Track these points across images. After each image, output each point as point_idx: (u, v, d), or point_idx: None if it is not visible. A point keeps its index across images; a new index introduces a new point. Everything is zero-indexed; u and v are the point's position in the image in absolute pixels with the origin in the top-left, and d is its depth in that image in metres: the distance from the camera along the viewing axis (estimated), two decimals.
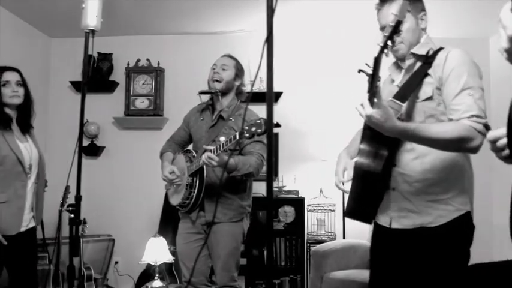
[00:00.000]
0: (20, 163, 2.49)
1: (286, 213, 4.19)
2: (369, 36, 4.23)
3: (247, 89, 2.96)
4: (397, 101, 1.75)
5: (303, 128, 4.33)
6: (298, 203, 4.17)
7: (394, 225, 1.83)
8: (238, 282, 2.69)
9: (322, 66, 4.37)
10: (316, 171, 4.26)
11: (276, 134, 4.22)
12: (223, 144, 2.33)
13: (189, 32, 4.46)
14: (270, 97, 1.22)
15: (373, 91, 1.56)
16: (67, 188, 2.89)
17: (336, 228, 4.11)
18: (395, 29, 1.53)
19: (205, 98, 2.80)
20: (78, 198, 2.04)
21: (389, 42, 1.55)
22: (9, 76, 2.54)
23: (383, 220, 1.89)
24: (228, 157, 2.36)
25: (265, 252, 4.05)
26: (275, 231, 4.02)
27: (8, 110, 2.55)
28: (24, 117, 2.61)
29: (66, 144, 2.90)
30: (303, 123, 4.34)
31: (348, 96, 4.26)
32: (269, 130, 1.22)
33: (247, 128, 2.18)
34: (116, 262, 4.33)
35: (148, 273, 3.76)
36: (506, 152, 1.07)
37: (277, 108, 4.16)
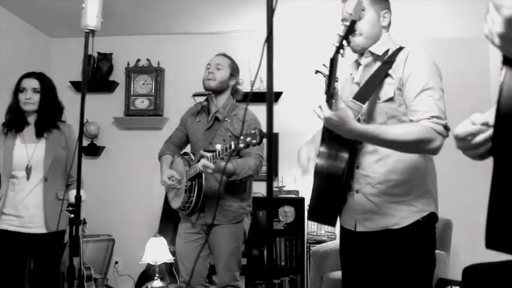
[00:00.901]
0: (5, 164, 2.57)
1: (286, 213, 4.19)
2: None
3: (243, 87, 2.95)
4: (357, 102, 1.74)
5: (303, 128, 4.32)
6: (298, 203, 4.17)
7: (359, 228, 1.82)
8: (240, 282, 2.69)
9: (323, 66, 4.36)
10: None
11: (276, 134, 4.23)
12: (219, 152, 2.32)
13: (189, 32, 4.46)
14: (270, 97, 1.21)
15: (330, 93, 1.55)
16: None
17: (336, 228, 4.10)
18: (350, 29, 1.52)
19: (200, 98, 2.79)
20: (78, 198, 2.04)
21: (344, 43, 1.54)
22: (26, 83, 2.64)
23: (348, 223, 1.88)
24: (225, 163, 2.34)
25: (265, 252, 4.05)
26: (275, 231, 4.02)
27: (25, 115, 2.67)
28: (41, 121, 2.67)
29: None
30: (303, 123, 4.33)
31: None
32: (269, 130, 1.22)
33: (242, 137, 2.17)
34: (116, 262, 4.33)
35: (148, 273, 3.76)
36: (486, 147, 1.02)
37: (277, 108, 4.16)
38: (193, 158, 2.65)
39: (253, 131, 2.17)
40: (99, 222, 4.15)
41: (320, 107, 1.58)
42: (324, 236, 4.07)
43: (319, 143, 1.83)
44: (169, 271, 3.84)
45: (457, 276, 2.38)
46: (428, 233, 1.78)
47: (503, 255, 0.94)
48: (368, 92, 1.76)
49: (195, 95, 2.71)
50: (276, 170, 4.29)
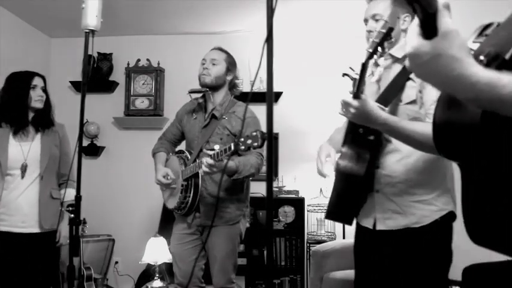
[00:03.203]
0: None
1: (286, 213, 4.19)
2: None
3: (243, 87, 2.91)
4: (379, 105, 1.76)
5: (303, 128, 4.32)
6: (298, 203, 4.17)
7: (379, 227, 1.85)
8: (236, 284, 2.65)
9: (323, 66, 4.36)
10: (316, 171, 4.26)
11: (276, 134, 4.22)
12: (218, 153, 2.22)
13: (189, 32, 4.46)
14: (270, 97, 1.21)
15: (358, 96, 1.58)
16: None
17: (336, 228, 4.11)
18: (386, 36, 1.53)
19: (197, 95, 2.72)
20: (78, 198, 2.04)
21: (379, 49, 1.55)
22: (37, 81, 2.66)
23: (366, 222, 1.90)
24: (226, 161, 2.26)
25: (265, 252, 4.05)
26: (275, 231, 4.02)
27: (27, 112, 2.65)
28: (38, 119, 2.68)
29: None
30: (303, 123, 4.34)
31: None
32: (269, 130, 1.22)
33: (242, 139, 2.11)
34: (116, 262, 4.34)
35: (148, 273, 3.76)
36: None
37: (277, 108, 4.16)
38: (189, 157, 2.58)
39: (254, 133, 2.10)
40: (99, 222, 4.15)
41: (344, 100, 1.63)
42: (324, 236, 4.07)
43: (341, 144, 1.88)
44: (169, 271, 3.83)
45: (457, 276, 2.38)
46: (446, 232, 1.81)
47: (503, 256, 0.94)
48: (390, 95, 1.80)
49: (191, 92, 2.63)
50: (276, 170, 4.29)
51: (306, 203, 4.16)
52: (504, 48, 0.80)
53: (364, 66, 1.57)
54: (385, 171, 1.82)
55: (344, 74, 1.76)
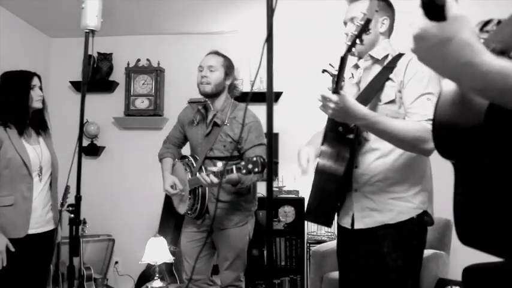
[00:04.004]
0: (25, 165, 2.49)
1: (286, 213, 4.19)
2: None
3: (242, 87, 2.91)
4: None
5: (303, 128, 4.32)
6: (298, 203, 4.16)
7: (357, 226, 1.86)
8: (243, 282, 2.70)
9: (323, 66, 4.36)
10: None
11: (276, 134, 4.22)
12: (220, 172, 2.29)
13: (189, 32, 4.46)
14: (270, 97, 1.22)
15: (338, 92, 1.57)
16: (67, 188, 2.89)
17: (336, 228, 4.10)
18: (365, 28, 1.53)
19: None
20: (78, 198, 2.05)
21: (357, 41, 1.55)
22: (36, 81, 2.63)
23: (345, 221, 1.92)
24: (223, 168, 2.32)
25: (265, 252, 4.05)
26: (275, 231, 4.02)
27: (27, 113, 2.62)
28: (38, 120, 2.66)
29: (66, 144, 2.90)
30: (303, 123, 4.33)
31: None
32: (269, 130, 1.22)
33: (243, 163, 2.18)
34: (116, 262, 4.34)
35: (148, 273, 3.76)
36: None
37: (277, 108, 4.16)
38: (194, 163, 2.62)
39: (254, 159, 2.18)
40: (99, 222, 4.15)
41: (322, 95, 1.61)
42: (324, 236, 4.07)
43: (321, 143, 1.88)
44: (169, 271, 3.84)
45: (457, 276, 2.38)
46: (420, 231, 1.82)
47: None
48: (370, 94, 1.80)
49: (190, 102, 2.68)
50: (276, 170, 4.28)
51: (306, 202, 4.15)
52: (509, 45, 0.79)
53: (343, 60, 1.56)
54: (364, 171, 1.83)
55: (324, 71, 1.77)
